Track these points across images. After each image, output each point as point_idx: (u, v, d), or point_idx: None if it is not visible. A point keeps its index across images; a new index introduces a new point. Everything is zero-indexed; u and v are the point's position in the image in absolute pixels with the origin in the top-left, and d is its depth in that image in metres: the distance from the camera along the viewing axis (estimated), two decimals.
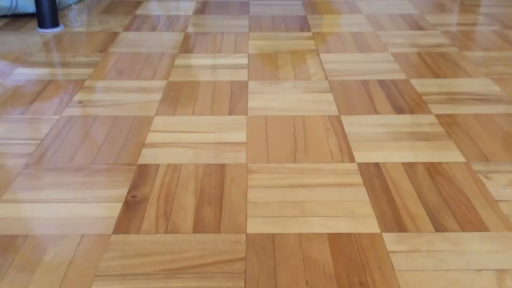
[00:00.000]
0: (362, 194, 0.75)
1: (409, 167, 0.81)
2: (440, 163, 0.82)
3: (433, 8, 1.67)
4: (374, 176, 0.79)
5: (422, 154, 0.84)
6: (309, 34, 1.43)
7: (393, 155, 0.84)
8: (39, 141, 0.89)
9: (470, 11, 1.63)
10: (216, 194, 0.75)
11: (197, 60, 1.25)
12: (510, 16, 1.58)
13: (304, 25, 1.50)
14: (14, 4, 1.50)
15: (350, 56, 1.26)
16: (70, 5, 1.69)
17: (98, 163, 0.83)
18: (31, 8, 1.52)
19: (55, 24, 1.45)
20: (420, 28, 1.47)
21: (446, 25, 1.49)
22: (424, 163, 0.82)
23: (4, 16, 1.56)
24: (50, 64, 1.22)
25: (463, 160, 0.83)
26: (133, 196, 0.75)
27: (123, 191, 0.76)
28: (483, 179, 0.78)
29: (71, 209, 0.72)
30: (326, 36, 1.41)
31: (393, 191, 0.75)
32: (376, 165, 0.82)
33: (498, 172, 0.80)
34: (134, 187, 0.77)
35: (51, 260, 0.63)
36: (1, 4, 1.49)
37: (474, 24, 1.51)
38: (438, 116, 0.97)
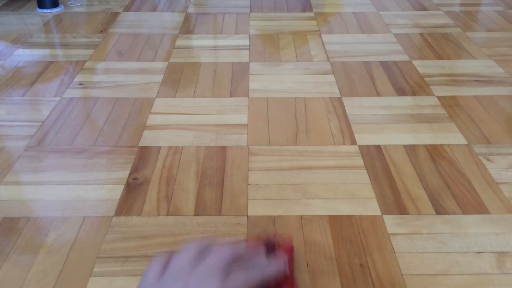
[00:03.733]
0: (363, 176, 0.75)
1: (410, 149, 0.81)
2: (441, 145, 0.82)
3: None
4: (375, 159, 0.79)
5: (424, 137, 0.84)
6: (311, 14, 1.41)
7: (395, 137, 0.84)
8: (40, 123, 0.89)
9: None
10: (217, 176, 0.75)
11: (198, 41, 1.23)
12: None
13: (306, 6, 1.48)
14: None
15: (352, 37, 1.25)
16: None
17: (99, 145, 0.83)
18: None
19: (54, 4, 1.44)
20: (423, 8, 1.45)
21: (449, 5, 1.48)
22: (425, 145, 0.82)
23: None
24: (50, 45, 1.21)
25: (465, 142, 0.83)
26: (134, 178, 0.75)
27: (124, 173, 0.76)
28: (484, 161, 0.78)
29: (72, 191, 0.72)
30: (328, 17, 1.39)
31: (394, 174, 0.75)
32: (378, 147, 0.81)
33: (499, 154, 0.79)
34: (135, 169, 0.77)
35: (53, 242, 0.63)
36: None
37: (478, 4, 1.49)
38: (440, 98, 0.96)
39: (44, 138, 0.85)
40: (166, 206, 0.69)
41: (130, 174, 0.76)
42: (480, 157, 0.79)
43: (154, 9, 1.46)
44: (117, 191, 0.72)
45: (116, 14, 1.41)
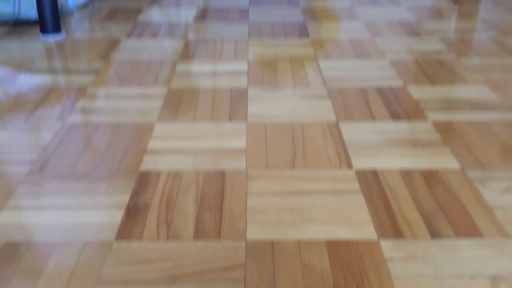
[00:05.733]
0: (359, 200, 0.76)
1: (405, 173, 0.82)
2: (436, 169, 0.83)
3: (431, 14, 1.68)
4: (371, 183, 0.80)
5: (419, 161, 0.86)
6: (308, 41, 1.44)
7: (390, 161, 0.86)
8: (42, 148, 0.90)
9: (468, 18, 1.65)
10: (216, 201, 0.76)
11: (198, 66, 1.26)
12: (507, 22, 1.60)
13: (303, 32, 1.52)
14: (16, 10, 1.52)
15: (348, 62, 1.28)
16: (72, 11, 1.70)
17: (100, 170, 0.84)
18: (33, 14, 1.53)
19: (57, 30, 1.47)
20: (418, 34, 1.49)
21: (443, 32, 1.51)
22: (420, 170, 0.83)
23: (7, 23, 1.58)
24: (53, 71, 1.23)
25: (459, 167, 0.84)
26: (134, 203, 0.76)
27: (124, 198, 0.77)
28: (478, 186, 0.79)
29: (73, 216, 0.73)
30: (324, 43, 1.42)
31: (390, 198, 0.77)
32: (374, 171, 0.83)
33: (493, 179, 0.81)
34: (135, 194, 0.78)
35: (55, 267, 0.64)
36: (3, 11, 1.51)
37: (472, 31, 1.52)
38: (434, 123, 0.98)
39: (45, 163, 0.86)
40: (166, 230, 0.70)
41: (130, 199, 0.77)
42: (474, 182, 0.80)
43: (155, 35, 1.49)
44: (118, 216, 0.73)
45: (118, 41, 1.44)
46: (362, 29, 1.54)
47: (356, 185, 0.80)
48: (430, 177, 0.82)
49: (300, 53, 1.35)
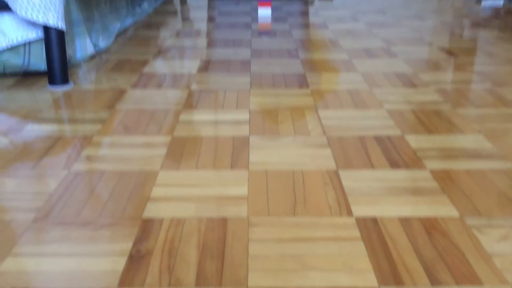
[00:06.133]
0: (360, 248, 0.77)
1: (405, 221, 0.84)
2: (435, 217, 0.85)
3: (427, 67, 1.74)
4: (371, 230, 0.81)
5: (418, 209, 0.87)
6: (307, 91, 1.49)
7: (390, 209, 0.87)
8: (47, 196, 0.92)
9: (463, 70, 1.70)
10: (218, 248, 0.77)
11: (201, 116, 1.30)
12: (501, 74, 1.65)
13: (303, 83, 1.57)
14: (26, 62, 1.58)
15: (347, 112, 1.32)
16: (80, 63, 1.77)
17: (104, 217, 0.85)
18: (42, 66, 1.59)
19: (65, 81, 1.52)
20: (414, 86, 1.53)
21: (439, 83, 1.56)
22: (419, 218, 0.85)
23: (16, 74, 1.63)
24: (60, 121, 1.27)
25: (457, 214, 0.86)
26: (137, 250, 0.77)
27: (127, 245, 0.78)
28: (476, 233, 0.80)
29: (76, 263, 0.74)
30: (324, 93, 1.46)
31: (390, 245, 0.78)
32: (373, 219, 0.84)
33: (491, 226, 0.82)
34: (138, 241, 0.79)
35: None
36: (13, 62, 1.56)
37: (467, 82, 1.57)
38: (432, 172, 1.00)
39: (51, 210, 0.88)
40: (168, 277, 0.71)
41: (133, 246, 0.78)
42: (472, 229, 0.81)
43: (159, 86, 1.54)
44: (120, 263, 0.74)
45: (124, 91, 1.49)
46: (360, 80, 1.59)
47: (356, 233, 0.81)
48: (429, 224, 0.83)
49: (300, 103, 1.39)
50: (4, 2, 1.46)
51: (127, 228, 0.82)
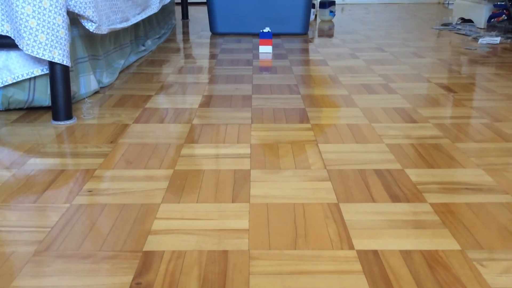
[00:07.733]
0: (361, 281, 0.77)
1: (406, 254, 0.83)
2: (436, 250, 0.84)
3: (426, 102, 1.76)
4: (372, 263, 0.81)
5: (419, 242, 0.87)
6: (308, 125, 1.51)
7: (391, 242, 0.87)
8: (49, 229, 0.92)
9: (462, 105, 1.72)
10: (219, 281, 0.77)
11: (202, 150, 1.31)
12: (499, 109, 1.67)
13: (303, 117, 1.59)
14: (30, 98, 1.60)
15: (347, 146, 1.33)
16: (83, 98, 1.79)
17: (104, 250, 0.85)
18: (46, 101, 1.61)
19: (68, 116, 1.54)
20: (413, 121, 1.55)
21: (438, 118, 1.58)
22: (421, 251, 0.84)
23: (20, 109, 1.65)
24: (62, 155, 1.28)
25: (459, 248, 0.85)
26: (137, 283, 0.77)
27: (128, 278, 0.78)
28: (478, 266, 0.80)
29: None
30: (324, 128, 1.48)
31: (391, 278, 0.77)
32: (375, 252, 0.84)
33: (492, 260, 0.82)
34: (139, 274, 0.79)
35: None
36: (18, 97, 1.59)
37: (466, 117, 1.59)
38: (433, 205, 1.00)
39: (52, 243, 0.88)
40: None
41: (133, 279, 0.78)
42: (474, 263, 0.81)
43: (161, 120, 1.56)
44: None
45: (126, 126, 1.51)
46: (360, 115, 1.61)
47: (357, 266, 0.80)
48: (431, 257, 0.82)
49: (301, 137, 1.40)
50: (11, 40, 1.50)
51: (127, 261, 0.82)
